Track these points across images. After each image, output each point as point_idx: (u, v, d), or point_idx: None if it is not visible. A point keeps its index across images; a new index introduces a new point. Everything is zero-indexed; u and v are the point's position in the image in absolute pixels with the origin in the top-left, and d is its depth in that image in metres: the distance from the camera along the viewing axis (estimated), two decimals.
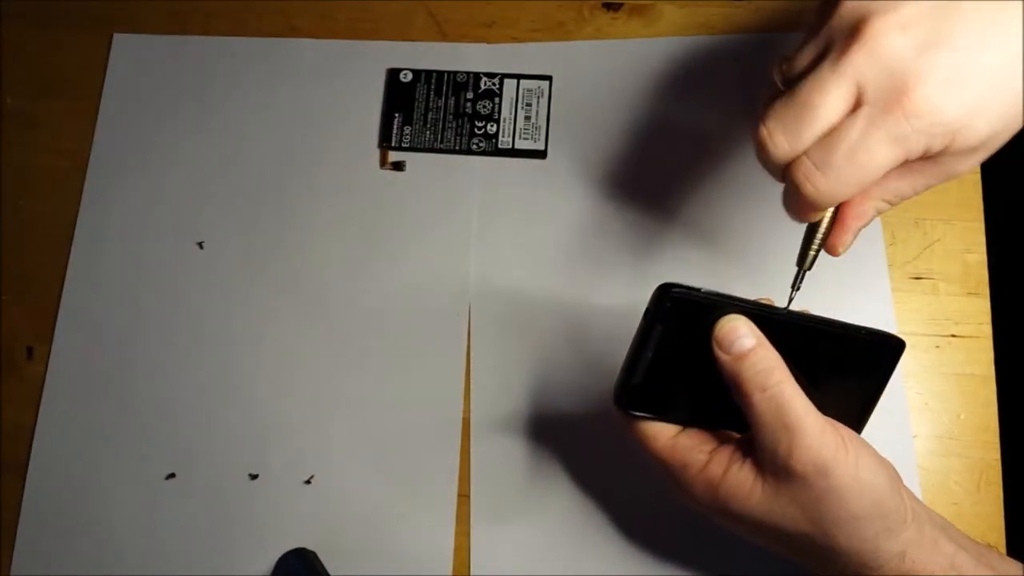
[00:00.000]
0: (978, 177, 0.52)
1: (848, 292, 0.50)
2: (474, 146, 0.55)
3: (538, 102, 0.55)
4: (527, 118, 0.55)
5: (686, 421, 0.39)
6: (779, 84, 0.36)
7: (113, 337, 0.53)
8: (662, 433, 0.39)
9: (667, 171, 0.53)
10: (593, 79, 0.55)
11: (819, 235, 0.38)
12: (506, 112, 0.55)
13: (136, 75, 0.58)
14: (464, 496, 0.49)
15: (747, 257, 0.51)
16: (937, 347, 0.50)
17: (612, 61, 0.55)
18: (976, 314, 0.50)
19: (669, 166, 0.53)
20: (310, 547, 0.49)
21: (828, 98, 0.33)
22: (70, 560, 0.50)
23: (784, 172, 0.35)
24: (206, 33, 0.58)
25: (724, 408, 0.37)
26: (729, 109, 0.54)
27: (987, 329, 0.50)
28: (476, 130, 0.55)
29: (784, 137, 0.34)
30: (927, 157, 0.34)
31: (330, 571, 0.47)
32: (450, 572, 0.48)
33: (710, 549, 0.46)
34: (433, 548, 0.48)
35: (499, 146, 0.55)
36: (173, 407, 0.52)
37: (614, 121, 0.54)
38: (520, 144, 0.54)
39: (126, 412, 0.52)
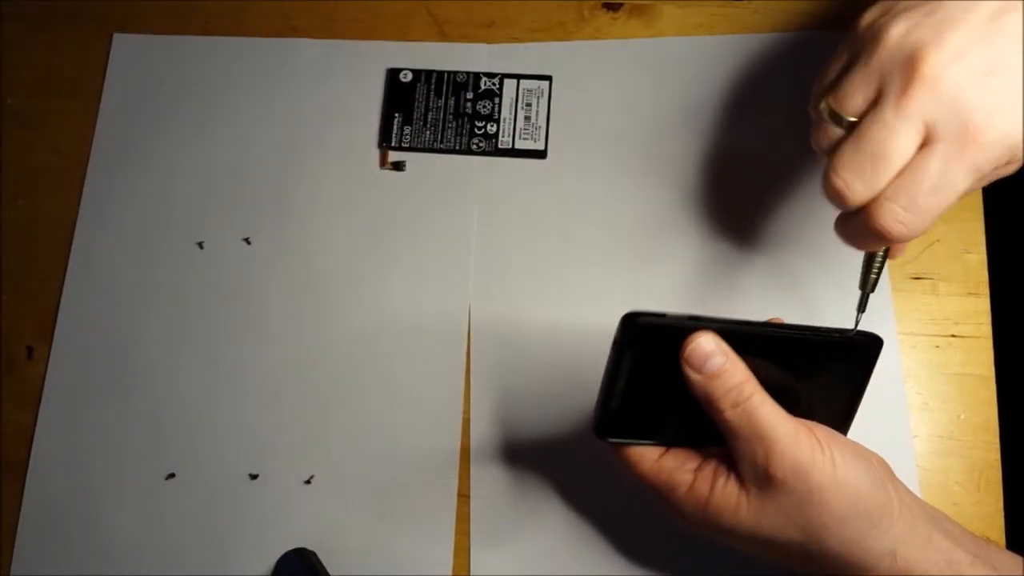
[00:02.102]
0: None
1: (848, 292, 0.50)
2: (474, 146, 0.55)
3: (538, 102, 0.55)
4: (527, 118, 0.55)
5: (667, 441, 0.39)
6: (825, 117, 0.37)
7: (113, 337, 0.53)
8: (646, 456, 0.39)
9: (667, 171, 0.53)
10: (593, 79, 0.55)
11: (879, 257, 0.39)
12: (506, 112, 0.55)
13: (136, 75, 0.58)
14: (464, 496, 0.49)
15: (748, 258, 0.52)
16: (937, 347, 0.50)
17: (612, 61, 0.55)
18: (976, 314, 0.50)
19: (669, 166, 0.53)
20: (310, 547, 0.49)
21: (899, 142, 0.34)
22: (70, 560, 0.50)
23: (859, 212, 0.36)
24: (206, 33, 0.58)
25: (703, 424, 0.37)
26: (730, 109, 0.54)
27: (987, 329, 0.50)
28: (476, 130, 0.55)
29: (861, 185, 0.35)
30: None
31: (330, 571, 0.47)
32: (450, 572, 0.48)
33: (711, 552, 0.46)
34: (433, 548, 0.48)
35: (499, 146, 0.55)
36: (173, 407, 0.52)
37: (614, 121, 0.54)
38: (520, 144, 0.54)
39: (126, 412, 0.52)
